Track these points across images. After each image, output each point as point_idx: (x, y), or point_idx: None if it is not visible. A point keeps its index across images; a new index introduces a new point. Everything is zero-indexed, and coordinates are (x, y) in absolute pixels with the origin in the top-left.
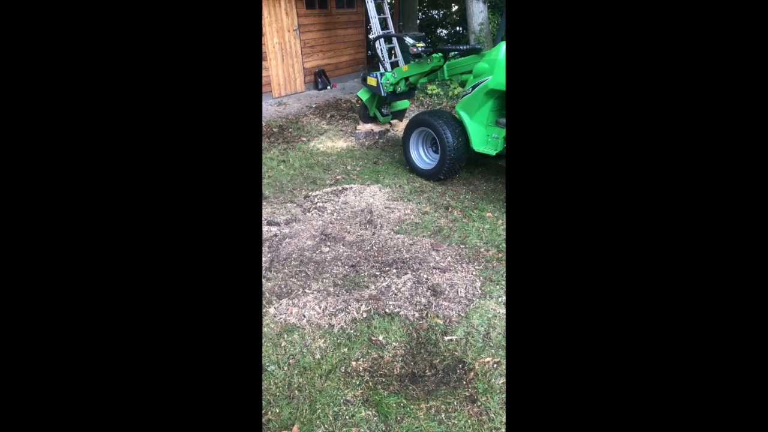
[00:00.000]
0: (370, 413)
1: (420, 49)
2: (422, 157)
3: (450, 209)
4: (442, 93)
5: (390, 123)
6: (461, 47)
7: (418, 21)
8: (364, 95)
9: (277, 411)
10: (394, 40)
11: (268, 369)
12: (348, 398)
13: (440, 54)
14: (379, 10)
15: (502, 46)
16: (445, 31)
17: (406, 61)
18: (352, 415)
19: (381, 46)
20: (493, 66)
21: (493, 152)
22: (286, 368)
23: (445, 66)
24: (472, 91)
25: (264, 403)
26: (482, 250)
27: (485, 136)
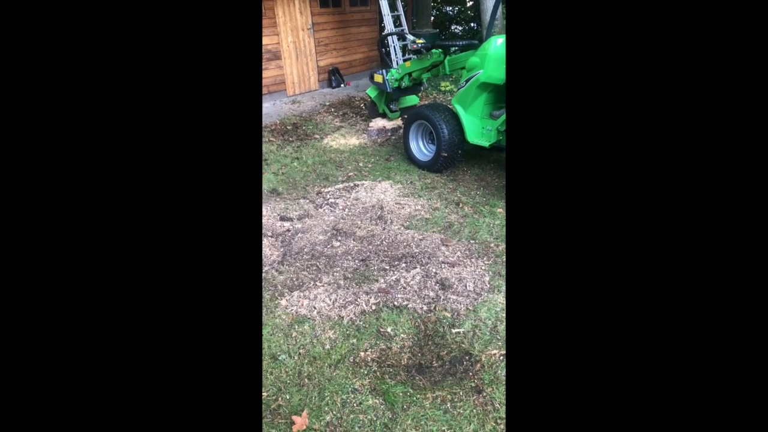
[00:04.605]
0: (377, 401)
1: (419, 45)
2: (421, 149)
3: (461, 205)
4: (455, 89)
5: (402, 118)
6: (459, 43)
7: (432, 18)
8: (372, 92)
9: (288, 398)
10: (408, 37)
11: (280, 358)
12: (356, 387)
13: (440, 50)
14: (393, 7)
15: (492, 41)
16: (459, 28)
17: None
18: (360, 403)
19: (394, 44)
20: (483, 60)
21: (486, 144)
22: (296, 357)
23: (446, 61)
24: (466, 84)
25: (275, 390)
26: (492, 245)
27: (480, 128)
